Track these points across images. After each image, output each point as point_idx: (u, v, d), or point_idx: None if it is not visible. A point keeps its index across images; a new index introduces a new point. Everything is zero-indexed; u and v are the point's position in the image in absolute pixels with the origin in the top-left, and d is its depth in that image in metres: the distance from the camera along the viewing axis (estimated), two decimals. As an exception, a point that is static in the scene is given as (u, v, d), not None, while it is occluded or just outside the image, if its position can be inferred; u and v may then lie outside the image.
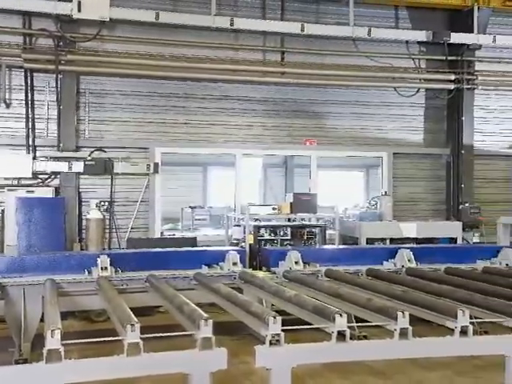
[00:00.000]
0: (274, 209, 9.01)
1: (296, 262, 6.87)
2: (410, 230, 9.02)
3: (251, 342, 4.31)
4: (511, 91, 10.67)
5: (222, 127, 9.74)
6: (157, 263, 6.62)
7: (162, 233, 9.58)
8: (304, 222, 9.00)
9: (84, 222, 8.87)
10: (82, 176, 9.02)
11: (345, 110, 10.21)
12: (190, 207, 11.10)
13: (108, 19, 8.68)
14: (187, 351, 3.79)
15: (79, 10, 8.54)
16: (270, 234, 8.73)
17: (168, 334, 3.89)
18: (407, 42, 10.22)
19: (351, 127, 10.24)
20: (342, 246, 8.74)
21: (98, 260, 6.23)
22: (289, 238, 8.76)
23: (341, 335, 4.05)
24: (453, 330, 4.33)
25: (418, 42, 10.29)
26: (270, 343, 3.88)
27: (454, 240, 9.19)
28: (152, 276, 6.17)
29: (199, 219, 10.91)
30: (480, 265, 7.40)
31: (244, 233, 8.67)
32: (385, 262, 7.26)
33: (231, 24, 9.30)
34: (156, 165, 9.28)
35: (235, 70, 9.57)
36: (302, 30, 9.57)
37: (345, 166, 13.14)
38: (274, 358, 3.89)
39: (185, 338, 3.98)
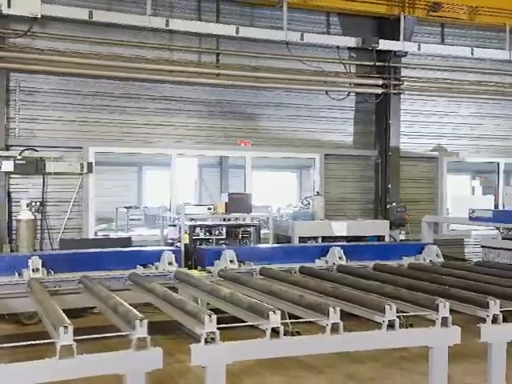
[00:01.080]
0: (209, 209, 8.99)
1: (231, 261, 6.88)
2: (340, 228, 9.21)
3: (187, 340, 4.28)
4: (435, 96, 11.09)
5: (157, 127, 9.62)
6: (90, 264, 6.46)
7: (95, 233, 9.36)
8: (239, 222, 9.03)
9: (14, 223, 8.54)
10: (12, 176, 8.69)
11: (279, 112, 10.32)
12: (124, 207, 10.90)
13: (39, 16, 8.39)
14: (122, 352, 3.72)
15: (9, 6, 8.22)
16: (205, 234, 8.70)
17: (102, 335, 3.81)
18: (338, 47, 10.44)
19: (285, 129, 10.36)
20: (275, 245, 8.82)
21: (29, 261, 6.02)
22: (224, 237, 8.76)
23: (275, 332, 4.09)
24: (381, 323, 4.47)
25: (349, 48, 10.54)
26: (206, 341, 3.88)
27: (381, 238, 9.45)
28: (85, 277, 6.02)
29: (134, 219, 10.74)
30: (406, 261, 7.66)
31: (179, 232, 8.60)
32: (317, 260, 7.39)
33: (167, 25, 9.21)
34: (90, 164, 9.06)
35: (171, 71, 9.48)
36: (237, 32, 9.60)
37: (279, 167, 13.29)
38: (209, 355, 3.88)
39: (120, 339, 3.91)
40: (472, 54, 10.99)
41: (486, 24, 11.03)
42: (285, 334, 4.15)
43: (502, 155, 11.49)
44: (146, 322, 3.82)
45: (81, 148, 9.11)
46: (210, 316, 3.92)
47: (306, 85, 10.21)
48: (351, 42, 10.34)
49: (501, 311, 4.88)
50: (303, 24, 10.29)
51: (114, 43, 9.20)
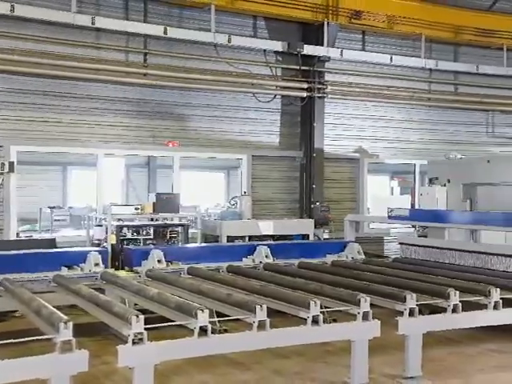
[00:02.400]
0: (136, 209, 8.82)
1: (159, 261, 6.79)
2: (267, 227, 9.29)
3: (114, 342, 4.18)
4: (356, 100, 11.41)
5: (83, 126, 9.33)
6: (12, 266, 6.17)
7: (17, 234, 8.96)
8: (167, 222, 8.92)
9: None
10: None
11: (207, 112, 10.27)
12: (48, 207, 10.50)
13: (-43, 9, 7.94)
14: (46, 355, 3.58)
15: None
16: (132, 234, 8.53)
17: (25, 339, 3.65)
18: (265, 50, 10.53)
19: (212, 129, 10.33)
20: (203, 244, 8.78)
21: None
22: (152, 237, 8.63)
23: (203, 330, 4.07)
24: (306, 319, 4.54)
25: (275, 52, 10.65)
26: (133, 342, 3.80)
27: (306, 236, 9.62)
28: (6, 280, 5.75)
29: (59, 220, 10.36)
30: (329, 259, 7.83)
31: (106, 233, 8.39)
32: (244, 259, 7.42)
33: (92, 23, 8.95)
34: (11, 164, 8.66)
35: (97, 70, 9.22)
36: (165, 32, 9.47)
37: (207, 167, 13.24)
38: (137, 356, 3.81)
39: (44, 343, 3.75)
40: (391, 60, 11.39)
41: (403, 33, 11.47)
42: (213, 332, 4.13)
43: (418, 157, 11.99)
44: (70, 324, 3.70)
45: (1, 147, 8.70)
46: (137, 316, 3.85)
47: (233, 86, 10.23)
48: (277, 46, 10.46)
49: (417, 305, 5.09)
50: (231, 27, 10.30)
51: (37, 39, 8.84)
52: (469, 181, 9.27)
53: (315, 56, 10.63)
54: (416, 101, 11.86)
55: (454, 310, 5.29)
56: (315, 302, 4.58)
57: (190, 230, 9.04)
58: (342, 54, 10.89)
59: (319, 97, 10.77)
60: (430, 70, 11.96)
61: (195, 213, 9.11)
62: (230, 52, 10.23)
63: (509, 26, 12.22)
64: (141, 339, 3.82)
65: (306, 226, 9.73)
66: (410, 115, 11.98)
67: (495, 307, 5.48)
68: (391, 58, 11.36)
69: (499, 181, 8.79)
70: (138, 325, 3.84)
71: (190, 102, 10.13)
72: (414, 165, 12.08)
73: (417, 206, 10.99)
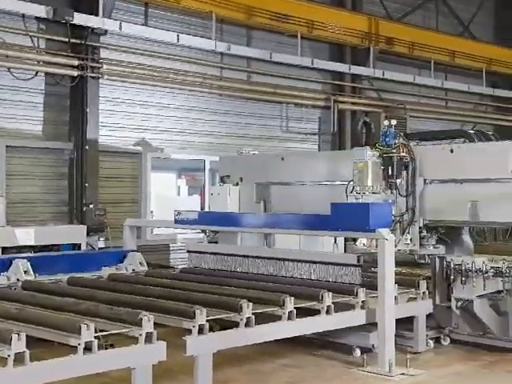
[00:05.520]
0: None
1: None
2: (26, 236, 8.84)
3: None
4: (138, 84, 11.41)
5: None
6: None
7: None
8: None
9: None
10: None
11: None
12: None
13: None
14: None
15: None
16: None
17: None
18: (24, 15, 9.98)
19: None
20: None
21: None
22: None
23: None
24: (76, 347, 4.43)
25: (37, 18, 10.14)
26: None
27: (77, 246, 9.37)
28: None
29: None
30: (106, 272, 7.75)
31: None
32: (-4, 276, 7.00)
33: None
34: None
35: None
36: None
37: None
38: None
39: None
40: (178, 40, 11.62)
41: (192, 9, 11.81)
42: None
43: (208, 152, 12.42)
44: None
45: None
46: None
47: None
48: (40, 10, 9.96)
49: (207, 320, 5.28)
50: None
51: None
52: (262, 180, 9.86)
53: (88, 27, 10.39)
54: (207, 88, 12.27)
55: (248, 324, 5.60)
56: (88, 326, 4.49)
57: None
58: (120, 28, 10.80)
59: (93, 77, 10.56)
60: (222, 53, 12.49)
61: None
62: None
63: (305, 12, 13.36)
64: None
65: (76, 234, 9.48)
66: (200, 104, 12.35)
67: (290, 318, 5.95)
68: (178, 37, 11.59)
69: (294, 180, 9.51)
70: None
71: None
72: (204, 161, 12.48)
73: (207, 208, 11.37)
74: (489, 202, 7.58)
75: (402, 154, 8.09)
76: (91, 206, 10.36)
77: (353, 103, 14.48)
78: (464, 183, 7.83)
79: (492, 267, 7.02)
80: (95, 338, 4.52)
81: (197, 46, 12.04)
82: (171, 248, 11.70)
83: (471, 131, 9.43)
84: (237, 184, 10.05)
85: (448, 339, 7.60)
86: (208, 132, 12.48)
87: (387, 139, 8.14)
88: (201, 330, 5.21)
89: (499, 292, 7.06)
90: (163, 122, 11.86)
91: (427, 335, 7.39)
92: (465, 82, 16.82)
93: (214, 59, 12.49)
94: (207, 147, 12.44)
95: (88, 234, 9.76)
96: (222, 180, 10.27)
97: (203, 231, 9.65)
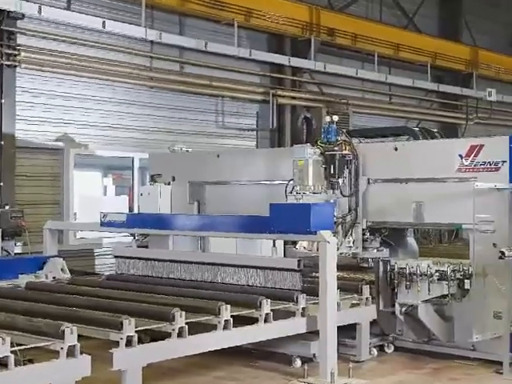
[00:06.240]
0: None
1: None
2: None
3: None
4: (60, 74, 11.19)
5: None
6: None
7: None
8: None
9: None
10: None
11: None
12: None
13: None
14: None
15: None
16: None
17: None
18: None
19: None
20: None
21: None
22: None
23: None
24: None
25: None
26: None
27: (-9, 252, 9.14)
28: None
29: None
30: (23, 280, 7.59)
31: None
32: None
33: None
34: None
35: None
36: None
37: None
38: None
39: None
40: (104, 26, 11.44)
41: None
42: None
43: (138, 149, 12.30)
44: None
45: None
46: None
47: None
48: (-51, -9, 9.68)
49: (136, 331, 5.22)
50: None
51: None
52: (196, 179, 9.84)
53: (3, 11, 10.13)
54: (135, 79, 12.15)
55: (180, 335, 5.57)
56: (3, 339, 4.38)
57: None
58: (40, 12, 10.55)
59: (9, 65, 10.31)
60: (152, 42, 12.39)
61: None
62: None
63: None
64: None
65: (-10, 238, 9.23)
66: (129, 97, 12.22)
67: (226, 327, 5.95)
68: (104, 23, 11.42)
69: (230, 179, 9.53)
70: None
71: None
72: (133, 158, 12.35)
73: (136, 210, 11.27)
74: (434, 203, 7.78)
75: (344, 151, 8.21)
76: (7, 207, 10.11)
77: (293, 97, 14.61)
78: (408, 183, 8.01)
79: (437, 270, 7.19)
80: (12, 352, 4.42)
81: (125, 34, 11.89)
82: (97, 253, 11.54)
83: (416, 128, 9.67)
84: (168, 183, 10.01)
85: (392, 347, 7.78)
86: (137, 127, 12.36)
87: (329, 136, 8.25)
88: (129, 342, 5.15)
89: (444, 296, 7.26)
90: (88, 115, 11.67)
91: (370, 343, 7.53)
92: (409, 76, 17.22)
93: (144, 48, 12.38)
94: (136, 143, 12.32)
95: (3, 239, 9.54)
96: (153, 179, 10.20)
97: (132, 235, 9.57)
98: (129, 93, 12.21)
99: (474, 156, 7.54)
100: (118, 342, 5.11)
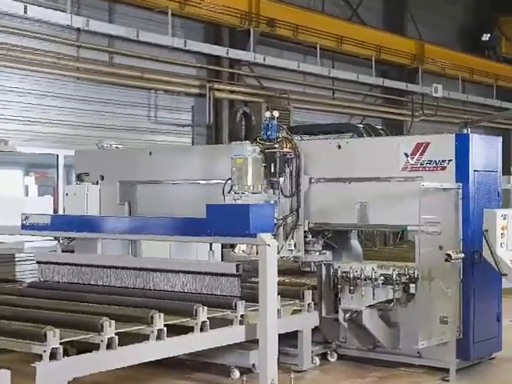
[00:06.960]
0: None
1: None
2: None
3: None
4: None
5: None
6: None
7: None
8: None
9: None
10: None
11: None
12: None
13: None
14: None
15: None
16: None
17: None
18: None
19: None
20: None
21: None
22: None
23: None
24: None
25: None
26: None
27: None
28: None
29: None
30: None
31: None
32: None
33: None
34: None
35: None
36: None
37: None
38: None
39: None
40: (26, 12, 11.21)
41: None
42: None
43: (63, 145, 12.10)
44: None
45: None
46: None
47: None
48: None
49: (61, 343, 5.14)
50: None
51: None
52: (127, 178, 9.74)
53: None
54: (61, 70, 11.96)
55: (110, 346, 5.51)
56: None
57: None
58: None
59: None
60: (79, 30, 12.21)
61: None
62: None
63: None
64: None
65: None
66: (54, 89, 12.05)
67: (159, 337, 5.91)
68: (26, 8, 11.19)
69: (164, 178, 9.46)
70: None
71: None
72: (57, 155, 12.14)
73: (61, 211, 11.08)
74: (379, 203, 7.89)
75: (285, 149, 8.24)
76: None
77: (231, 91, 14.63)
78: (352, 182, 8.10)
79: (382, 274, 7.29)
80: None
81: (49, 20, 11.71)
82: (17, 259, 11.30)
83: (360, 125, 9.79)
84: (97, 183, 9.88)
85: (335, 355, 7.86)
86: (62, 122, 12.18)
87: (269, 133, 8.27)
88: (53, 355, 5.07)
89: (389, 301, 7.36)
90: (7, 108, 11.46)
91: (313, 351, 7.59)
92: (353, 70, 17.47)
93: (70, 36, 12.21)
94: (61, 139, 12.14)
95: None
96: (79, 178, 10.05)
97: (56, 238, 9.39)
98: (53, 84, 12.03)
99: (420, 154, 7.67)
100: (41, 355, 5.02)
